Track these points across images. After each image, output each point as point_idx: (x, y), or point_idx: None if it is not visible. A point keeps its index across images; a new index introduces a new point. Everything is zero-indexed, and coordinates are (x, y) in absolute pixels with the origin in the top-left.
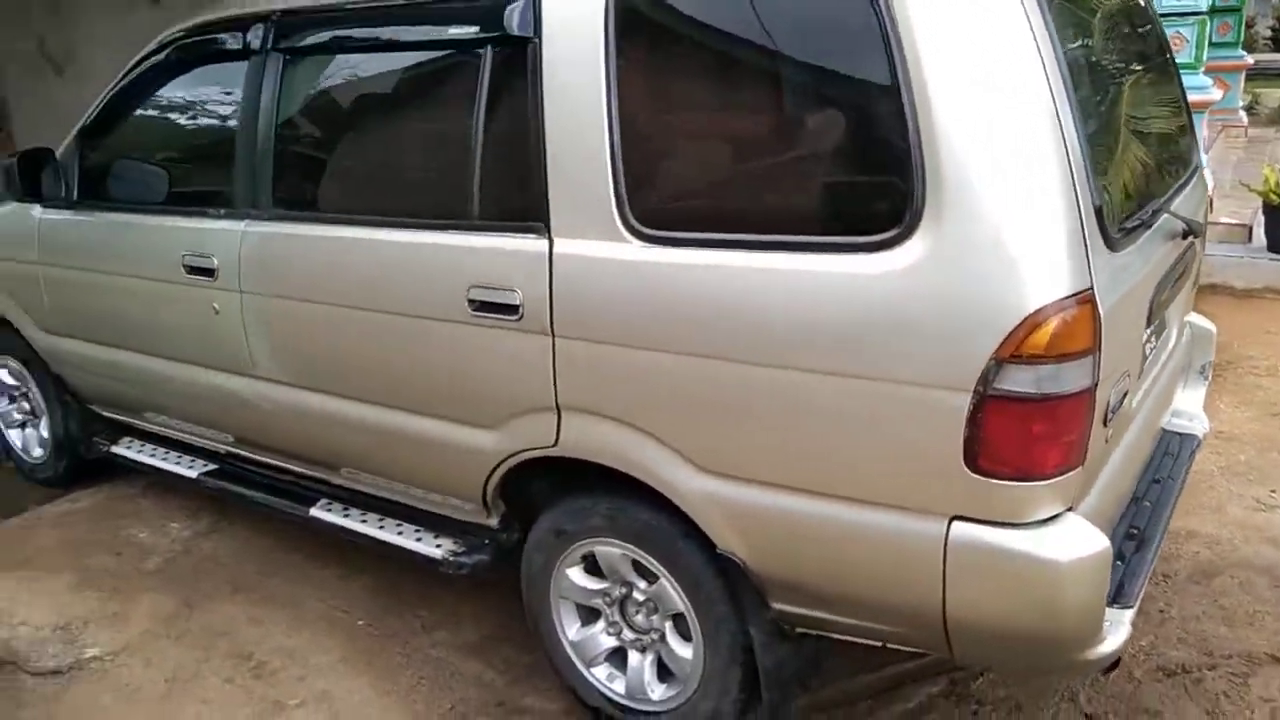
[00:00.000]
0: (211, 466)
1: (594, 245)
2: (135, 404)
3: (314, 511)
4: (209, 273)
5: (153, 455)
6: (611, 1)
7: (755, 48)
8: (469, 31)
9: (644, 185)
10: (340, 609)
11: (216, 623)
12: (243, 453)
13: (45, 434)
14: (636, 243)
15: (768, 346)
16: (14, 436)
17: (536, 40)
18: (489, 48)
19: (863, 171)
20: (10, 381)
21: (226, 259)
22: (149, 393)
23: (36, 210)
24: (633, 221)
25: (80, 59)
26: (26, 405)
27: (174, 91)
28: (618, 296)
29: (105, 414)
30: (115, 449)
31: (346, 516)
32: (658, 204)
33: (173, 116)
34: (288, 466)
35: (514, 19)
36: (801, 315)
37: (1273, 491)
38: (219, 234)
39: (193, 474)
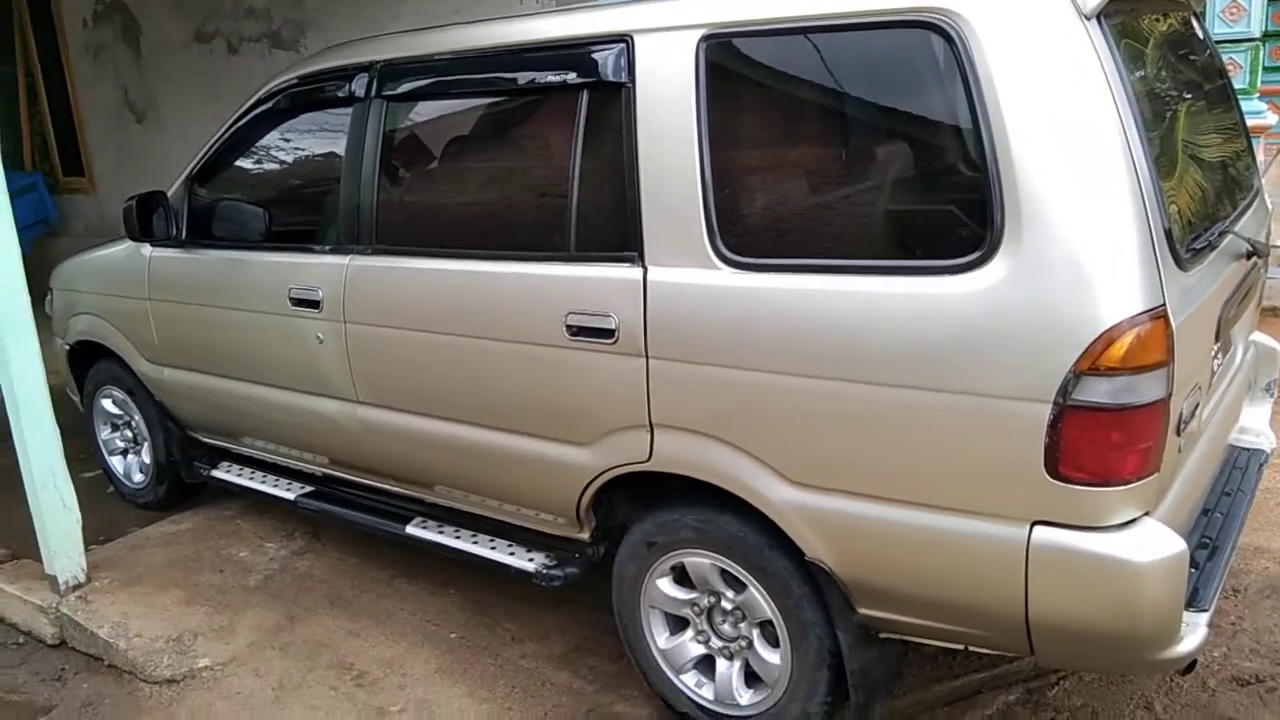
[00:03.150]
0: (308, 489)
1: (687, 272)
2: (236, 429)
3: (410, 529)
4: (314, 304)
5: (251, 479)
6: (702, 49)
7: (842, 90)
8: (565, 77)
9: (734, 215)
10: (432, 622)
11: (318, 635)
12: (338, 474)
13: (147, 460)
14: (727, 269)
15: (855, 364)
16: (116, 463)
17: (630, 85)
18: (585, 91)
19: (945, 200)
20: (114, 410)
21: (331, 291)
22: (250, 418)
23: (147, 249)
24: (723, 249)
25: (160, 107)
26: (129, 433)
27: (280, 136)
28: (710, 319)
29: (205, 440)
30: (215, 473)
31: (441, 533)
32: (748, 232)
33: (279, 159)
34: (383, 486)
35: (609, 66)
36: (887, 334)
37: None
38: (324, 268)
39: (291, 496)
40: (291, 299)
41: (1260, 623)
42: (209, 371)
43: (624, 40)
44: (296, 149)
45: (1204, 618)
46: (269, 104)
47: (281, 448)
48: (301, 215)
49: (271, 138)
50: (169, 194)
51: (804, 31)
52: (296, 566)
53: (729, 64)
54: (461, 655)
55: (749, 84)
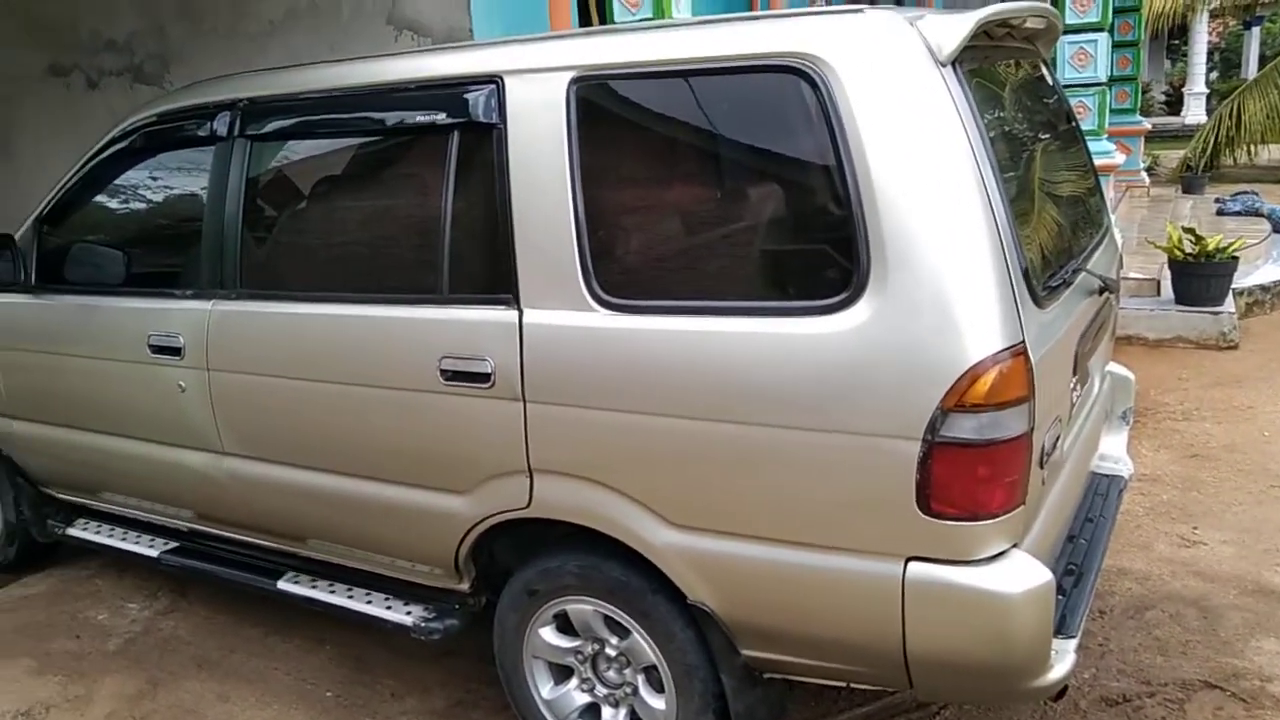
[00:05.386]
0: (173, 544)
1: (561, 314)
2: (93, 484)
3: (281, 584)
4: (176, 351)
5: (110, 536)
6: (573, 90)
7: (713, 131)
8: (435, 117)
9: (608, 257)
10: (307, 681)
11: (184, 700)
12: (204, 529)
13: None
14: (602, 311)
15: (729, 404)
16: None
17: (501, 125)
18: (456, 132)
19: (814, 241)
20: None
21: (194, 338)
22: (109, 473)
23: None
24: (598, 290)
25: (13, 145)
26: None
27: (138, 175)
28: (586, 361)
29: (60, 496)
30: (71, 531)
31: (315, 588)
32: (621, 274)
33: (136, 200)
34: (252, 540)
35: (479, 106)
36: (760, 374)
37: (1195, 529)
38: (186, 313)
39: (154, 553)
40: (151, 346)
41: (1126, 643)
42: (63, 424)
43: (494, 81)
44: (156, 189)
45: (1072, 644)
46: (124, 143)
47: (144, 503)
48: (161, 259)
49: (129, 177)
50: (16, 236)
51: (673, 75)
52: (160, 628)
53: (601, 105)
54: (338, 714)
55: (622, 125)
